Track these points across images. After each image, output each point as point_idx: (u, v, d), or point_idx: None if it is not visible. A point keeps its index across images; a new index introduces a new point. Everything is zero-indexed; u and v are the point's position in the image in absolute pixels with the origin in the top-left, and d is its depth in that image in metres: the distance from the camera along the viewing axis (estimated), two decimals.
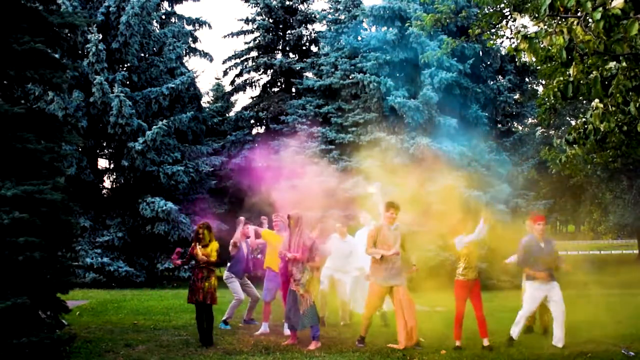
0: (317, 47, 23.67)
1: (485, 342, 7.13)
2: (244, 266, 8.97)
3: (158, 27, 20.57)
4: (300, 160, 16.64)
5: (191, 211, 18.47)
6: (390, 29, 18.50)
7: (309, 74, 21.32)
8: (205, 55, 23.14)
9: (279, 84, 23.66)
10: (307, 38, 23.63)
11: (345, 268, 8.98)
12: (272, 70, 23.00)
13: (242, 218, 9.15)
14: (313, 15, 23.03)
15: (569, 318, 9.28)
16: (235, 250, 8.85)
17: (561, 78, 5.15)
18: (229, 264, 8.99)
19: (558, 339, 7.21)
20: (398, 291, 7.20)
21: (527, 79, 21.23)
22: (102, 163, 19.09)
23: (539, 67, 12.05)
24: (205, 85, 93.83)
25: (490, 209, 15.05)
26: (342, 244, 8.98)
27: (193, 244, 7.51)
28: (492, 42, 10.31)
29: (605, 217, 32.16)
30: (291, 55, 23.52)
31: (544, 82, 18.70)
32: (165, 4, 22.33)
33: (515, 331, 7.34)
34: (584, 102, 17.00)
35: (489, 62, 19.32)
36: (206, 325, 7.33)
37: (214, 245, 7.46)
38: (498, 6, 8.53)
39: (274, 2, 23.06)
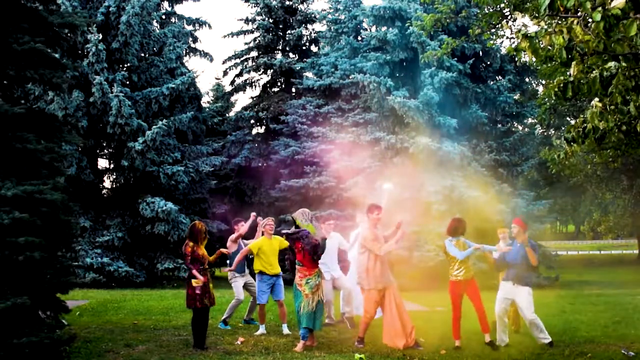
0: (317, 47, 23.69)
1: (487, 338, 7.11)
2: (244, 262, 9.03)
3: (158, 27, 20.57)
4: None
5: (191, 211, 18.49)
6: (391, 29, 18.50)
7: (309, 74, 21.33)
8: (205, 55, 23.15)
9: (279, 84, 23.67)
10: (307, 38, 23.65)
11: (333, 265, 8.97)
12: (272, 70, 23.01)
13: (253, 214, 9.12)
14: (313, 15, 23.04)
15: (569, 318, 9.29)
16: (234, 247, 8.86)
17: (561, 78, 5.15)
18: (228, 262, 9.01)
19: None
20: (389, 293, 7.23)
21: (527, 79, 21.23)
22: (102, 163, 19.13)
23: (539, 67, 12.05)
24: (205, 85, 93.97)
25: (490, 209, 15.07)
26: (330, 241, 8.92)
27: (197, 245, 7.19)
28: (492, 42, 10.30)
29: (605, 217, 32.18)
30: (291, 55, 23.53)
31: (544, 82, 18.70)
32: (165, 4, 22.34)
33: (544, 337, 7.26)
34: (584, 101, 16.99)
35: (489, 62, 19.32)
36: (203, 327, 7.30)
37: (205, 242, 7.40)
38: (498, 6, 8.52)
39: (274, 2, 23.07)
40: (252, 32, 23.51)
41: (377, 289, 7.23)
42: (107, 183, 19.11)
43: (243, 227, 8.95)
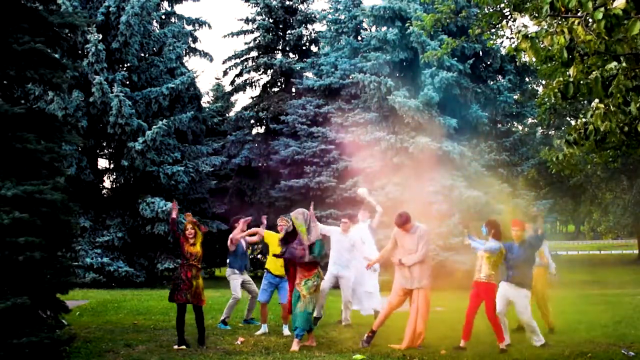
0: (317, 47, 23.68)
1: (501, 346, 6.98)
2: (245, 262, 9.01)
3: (158, 27, 20.58)
4: None
5: (191, 211, 18.47)
6: (391, 29, 18.50)
7: (309, 74, 21.33)
8: (205, 55, 23.15)
9: (279, 84, 23.67)
10: (307, 38, 23.65)
11: (348, 263, 8.93)
12: (272, 70, 23.01)
13: (248, 219, 9.05)
14: (313, 15, 23.05)
15: (569, 318, 9.28)
16: (233, 247, 8.83)
17: (561, 78, 5.14)
18: (228, 261, 8.98)
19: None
20: (418, 294, 7.25)
21: (527, 79, 21.22)
22: (102, 163, 19.13)
23: (539, 67, 12.04)
24: (205, 85, 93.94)
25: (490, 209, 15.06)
26: (343, 238, 8.90)
27: (186, 240, 7.27)
28: (492, 42, 10.29)
29: (605, 217, 32.19)
30: (291, 55, 23.53)
31: (544, 82, 18.68)
32: (165, 4, 22.33)
33: (538, 340, 7.24)
34: (584, 102, 16.99)
35: (489, 62, 19.31)
36: (198, 326, 7.29)
37: (200, 238, 7.34)
38: (498, 6, 8.50)
39: (274, 2, 23.07)
40: (252, 32, 23.50)
41: (403, 286, 7.28)
42: (107, 183, 19.13)
43: (234, 232, 8.74)
